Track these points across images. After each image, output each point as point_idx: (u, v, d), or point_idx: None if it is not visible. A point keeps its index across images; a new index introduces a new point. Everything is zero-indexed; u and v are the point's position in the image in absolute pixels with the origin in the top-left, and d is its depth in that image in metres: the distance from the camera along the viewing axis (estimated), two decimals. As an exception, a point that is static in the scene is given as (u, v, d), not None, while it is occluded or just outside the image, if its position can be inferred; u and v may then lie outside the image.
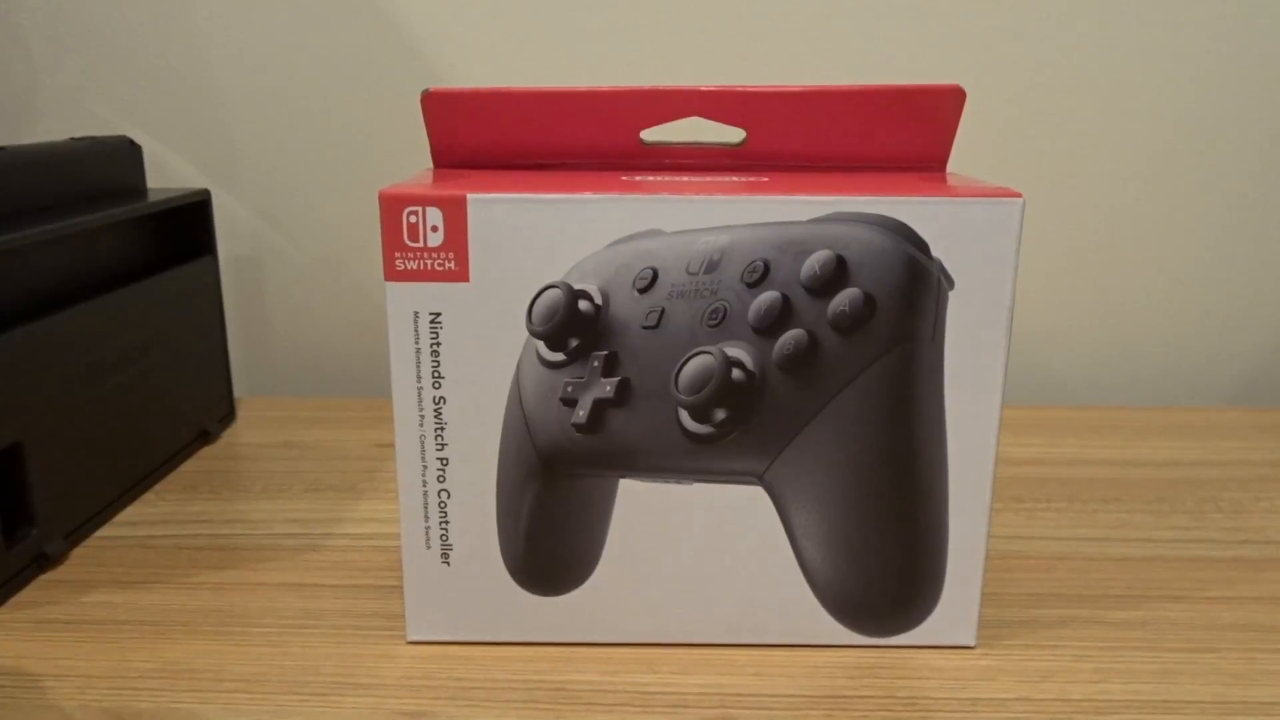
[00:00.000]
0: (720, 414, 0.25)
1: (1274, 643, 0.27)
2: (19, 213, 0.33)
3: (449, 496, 0.26)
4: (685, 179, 0.26)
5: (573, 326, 0.24)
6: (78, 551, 0.32)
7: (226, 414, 0.44)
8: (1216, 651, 0.27)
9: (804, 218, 0.24)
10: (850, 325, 0.24)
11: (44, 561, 0.31)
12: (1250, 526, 0.34)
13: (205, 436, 0.42)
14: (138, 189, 0.40)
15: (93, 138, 0.38)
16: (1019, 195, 0.24)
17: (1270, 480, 0.38)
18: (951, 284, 0.24)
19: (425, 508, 0.26)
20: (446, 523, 0.26)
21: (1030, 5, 0.46)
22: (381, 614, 0.29)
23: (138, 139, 0.49)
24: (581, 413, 0.25)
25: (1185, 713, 0.24)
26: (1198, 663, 0.26)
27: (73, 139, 0.38)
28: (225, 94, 0.48)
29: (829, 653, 0.27)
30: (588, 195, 0.24)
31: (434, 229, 0.24)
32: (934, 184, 0.25)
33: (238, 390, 0.52)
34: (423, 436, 0.25)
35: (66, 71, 0.48)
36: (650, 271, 0.24)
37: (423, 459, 0.25)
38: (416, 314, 0.24)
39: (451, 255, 0.24)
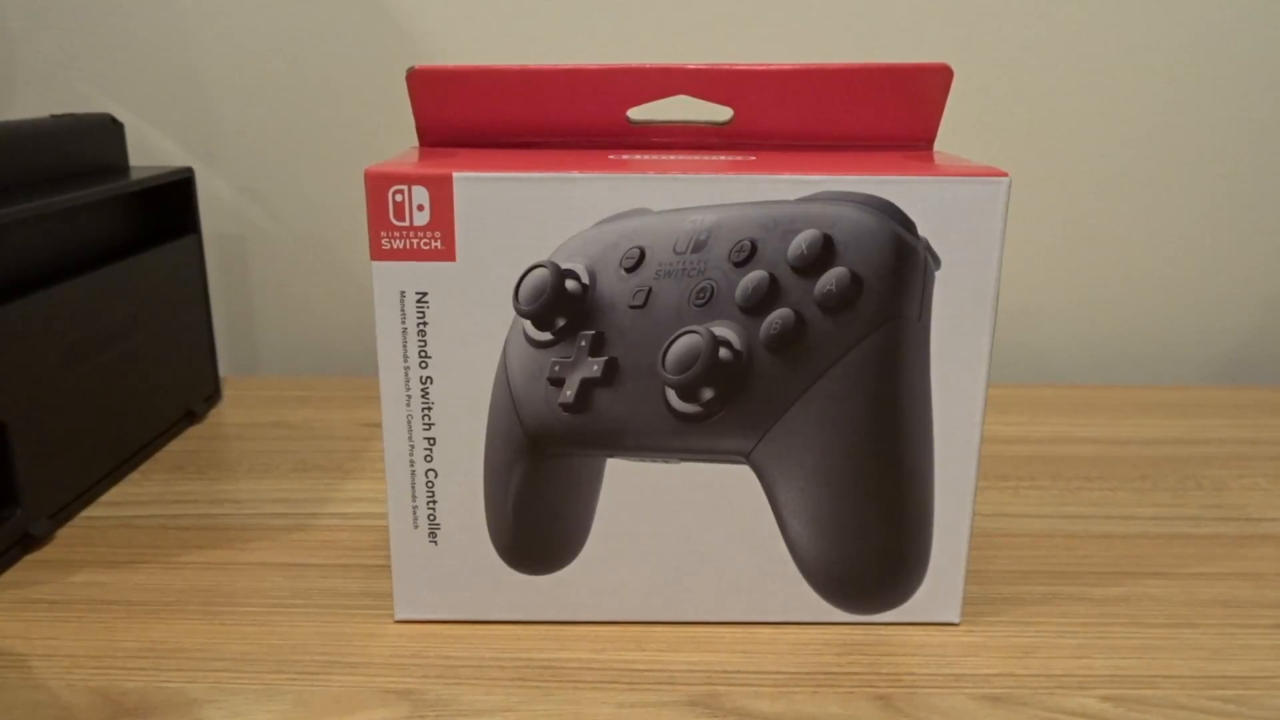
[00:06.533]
0: (707, 393, 0.25)
1: (1253, 618, 0.28)
2: (-1, 191, 0.33)
3: (436, 476, 0.26)
4: (672, 158, 0.26)
5: (560, 306, 0.24)
6: (63, 532, 0.32)
7: (212, 394, 0.44)
8: (1197, 627, 0.27)
9: (791, 197, 0.24)
10: (837, 304, 0.24)
11: (29, 542, 0.31)
12: (1230, 504, 0.35)
13: (191, 416, 0.42)
14: (120, 167, 0.40)
15: (73, 114, 0.38)
16: (1005, 175, 0.24)
17: (1250, 458, 0.39)
18: (938, 263, 0.24)
19: (413, 487, 0.26)
20: (434, 502, 0.26)
21: (1018, -17, 0.46)
22: (369, 593, 0.29)
23: (120, 116, 0.48)
24: (569, 392, 0.25)
25: (1165, 687, 0.25)
26: (1178, 638, 0.27)
27: (53, 116, 0.37)
28: (209, 70, 0.48)
29: (815, 630, 0.27)
30: (574, 174, 0.24)
31: (420, 208, 0.24)
32: (921, 163, 0.25)
33: (223, 370, 0.52)
34: (410, 416, 0.25)
35: (46, 46, 0.47)
36: (637, 251, 0.24)
37: (410, 438, 0.25)
38: (403, 293, 0.24)
39: (438, 234, 0.24)
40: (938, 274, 0.24)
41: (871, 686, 0.24)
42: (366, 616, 0.27)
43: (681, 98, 0.27)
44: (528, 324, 0.25)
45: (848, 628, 0.27)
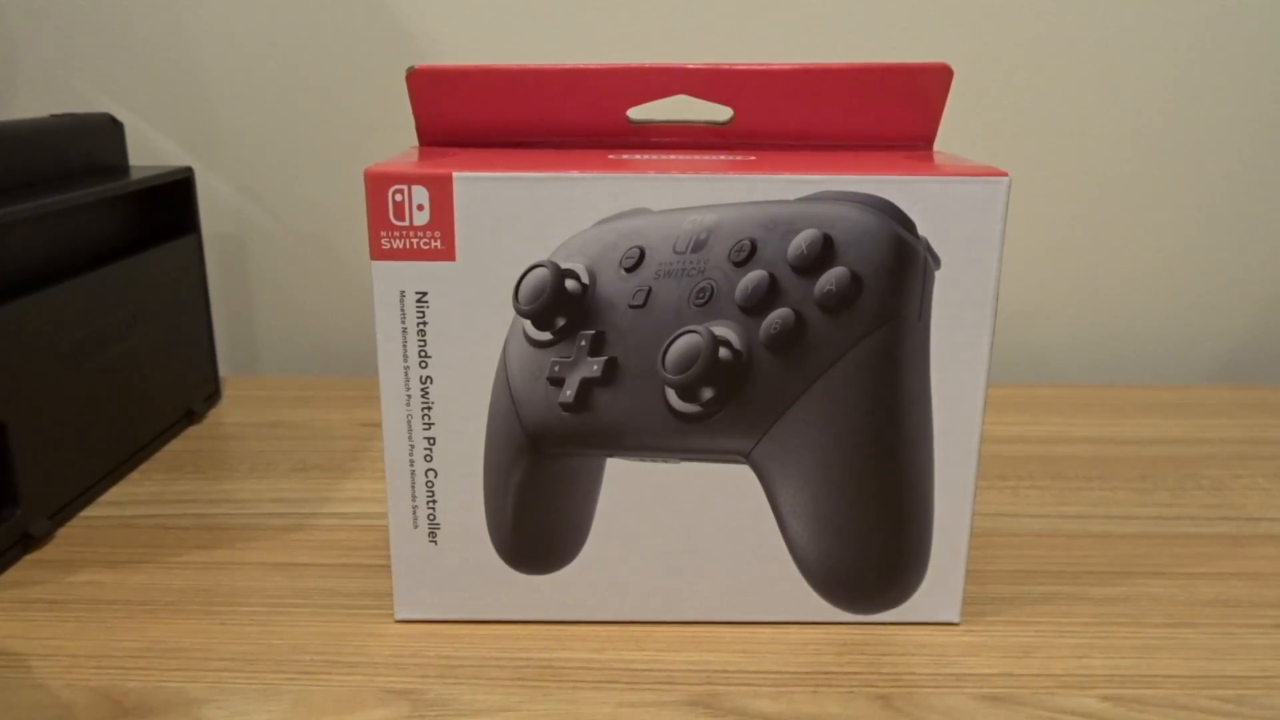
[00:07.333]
0: (707, 393, 0.25)
1: (1252, 617, 0.28)
2: (-1, 190, 0.33)
3: (436, 475, 0.26)
4: (672, 157, 0.26)
5: (560, 305, 0.24)
6: (63, 531, 0.32)
7: (211, 393, 0.44)
8: (1196, 626, 0.27)
9: (791, 196, 0.24)
10: (837, 304, 0.24)
11: (29, 542, 0.31)
12: (1230, 503, 0.35)
13: (190, 416, 0.42)
14: (119, 166, 0.40)
15: (73, 114, 0.38)
16: (1005, 174, 0.24)
17: (1250, 457, 0.39)
18: (938, 263, 0.24)
19: (412, 487, 0.26)
20: (434, 502, 0.26)
21: (1017, -17, 0.46)
22: (369, 593, 0.29)
23: (119, 115, 0.48)
24: (569, 392, 0.25)
25: (1165, 687, 0.25)
26: (1178, 637, 0.27)
27: (53, 115, 0.37)
28: (208, 69, 0.48)
29: (814, 630, 0.27)
30: (574, 174, 0.24)
31: (420, 207, 0.24)
32: (921, 163, 0.25)
33: (222, 369, 0.52)
34: (409, 416, 0.25)
35: (46, 45, 0.47)
36: (637, 250, 0.24)
37: (410, 438, 0.25)
38: (403, 293, 0.24)
39: (438, 234, 0.24)
40: (938, 274, 0.24)
41: (871, 686, 0.24)
42: (366, 616, 0.27)
43: (681, 98, 0.27)
44: (527, 324, 0.25)
45: (848, 628, 0.27)
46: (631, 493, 0.26)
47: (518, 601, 0.27)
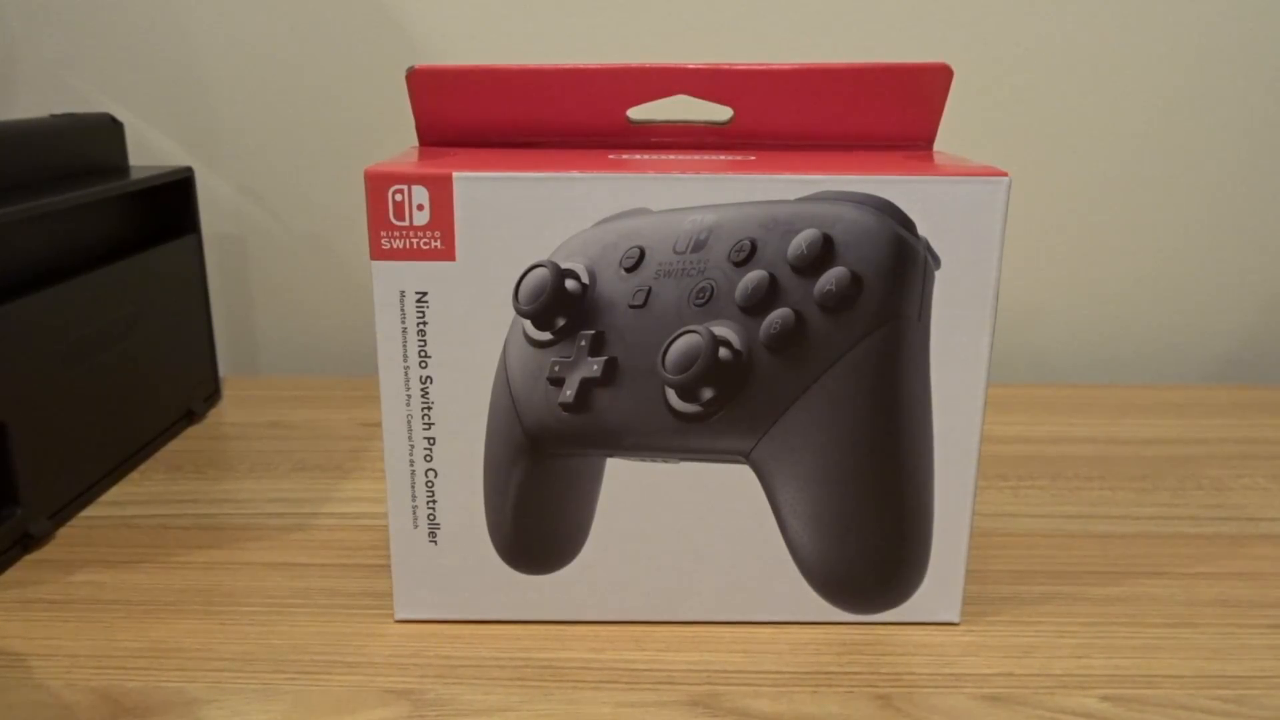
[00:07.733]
0: (707, 393, 0.25)
1: (1252, 618, 0.28)
2: (-1, 190, 0.33)
3: (436, 476, 0.26)
4: (672, 157, 0.26)
5: (559, 305, 0.24)
6: (63, 531, 0.32)
7: (211, 393, 0.44)
8: (1196, 626, 0.27)
9: (791, 196, 0.24)
10: (837, 304, 0.24)
11: (29, 542, 0.31)
12: (1230, 503, 0.35)
13: (190, 416, 0.42)
14: (119, 166, 0.40)
15: (73, 114, 0.38)
16: (1005, 174, 0.24)
17: (1250, 457, 0.39)
18: (938, 263, 0.24)
19: (412, 487, 0.26)
20: (434, 502, 0.26)
21: (1017, -17, 0.46)
22: (369, 593, 0.29)
23: (119, 115, 0.48)
24: (569, 392, 0.25)
25: (1165, 687, 0.25)
26: (1178, 637, 0.27)
27: (53, 115, 0.37)
28: (208, 69, 0.48)
29: (814, 630, 0.27)
30: (574, 174, 0.24)
31: (420, 207, 0.24)
32: (921, 163, 0.25)
33: (222, 369, 0.52)
34: (410, 416, 0.25)
35: (46, 45, 0.47)
36: (637, 250, 0.24)
37: (410, 438, 0.25)
38: (403, 293, 0.24)
39: (438, 234, 0.24)
40: (938, 274, 0.24)
41: (871, 686, 0.24)
42: (366, 616, 0.27)
43: (681, 98, 0.27)
44: (527, 324, 0.25)
45: (848, 628, 0.27)
46: (631, 493, 0.26)
47: (518, 601, 0.27)
